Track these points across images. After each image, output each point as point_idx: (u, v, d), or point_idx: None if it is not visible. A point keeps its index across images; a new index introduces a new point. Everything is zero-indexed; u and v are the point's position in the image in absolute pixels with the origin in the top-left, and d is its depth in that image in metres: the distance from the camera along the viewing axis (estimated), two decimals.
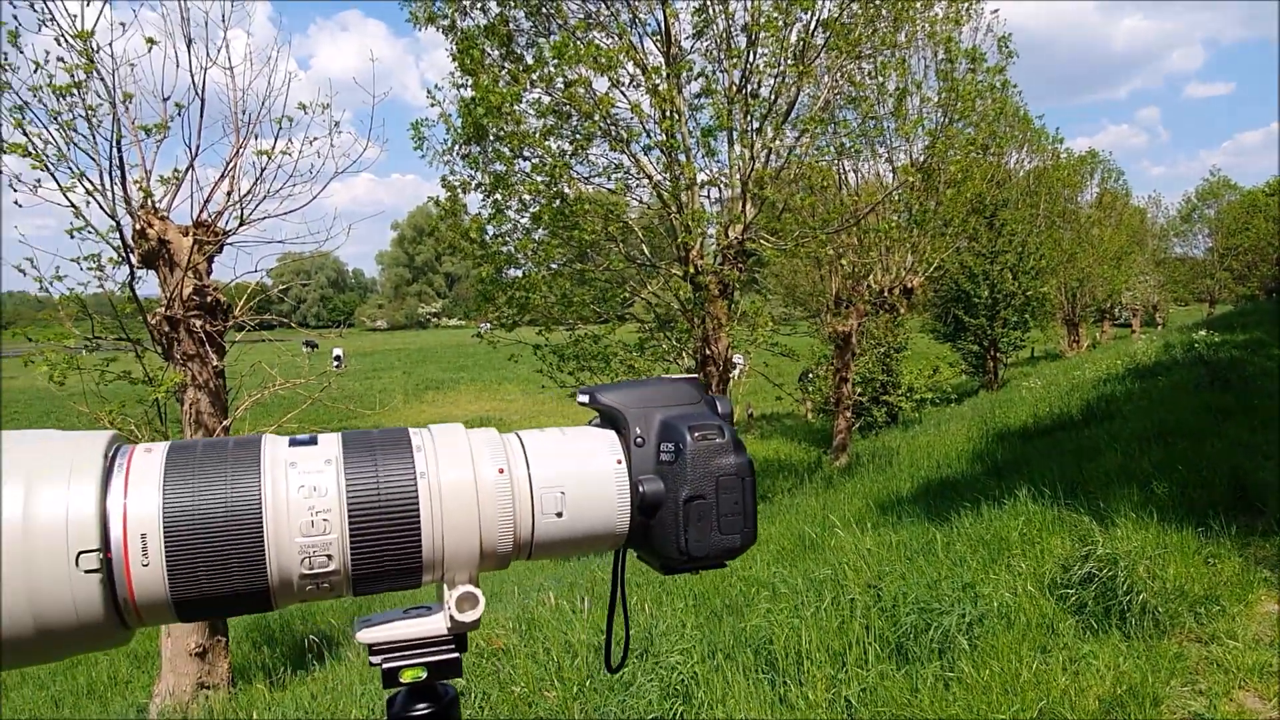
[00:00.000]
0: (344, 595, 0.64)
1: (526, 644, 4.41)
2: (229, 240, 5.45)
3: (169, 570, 0.57)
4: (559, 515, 0.68)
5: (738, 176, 8.88)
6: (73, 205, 4.90)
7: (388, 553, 0.63)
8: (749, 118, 8.82)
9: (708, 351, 9.56)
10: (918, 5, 10.35)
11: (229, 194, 5.47)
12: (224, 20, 5.07)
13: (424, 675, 0.67)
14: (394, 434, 0.68)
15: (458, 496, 0.65)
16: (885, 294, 13.71)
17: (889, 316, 14.68)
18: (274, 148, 5.21)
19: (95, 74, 4.50)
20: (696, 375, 0.77)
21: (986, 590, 3.56)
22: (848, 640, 3.13)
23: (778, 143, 8.93)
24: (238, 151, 5.28)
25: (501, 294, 10.00)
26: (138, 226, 5.17)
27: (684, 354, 10.56)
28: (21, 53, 4.55)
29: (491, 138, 8.74)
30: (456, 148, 9.07)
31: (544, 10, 8.91)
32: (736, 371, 13.62)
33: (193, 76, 4.96)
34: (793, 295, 22.19)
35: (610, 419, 0.75)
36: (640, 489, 0.70)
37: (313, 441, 0.64)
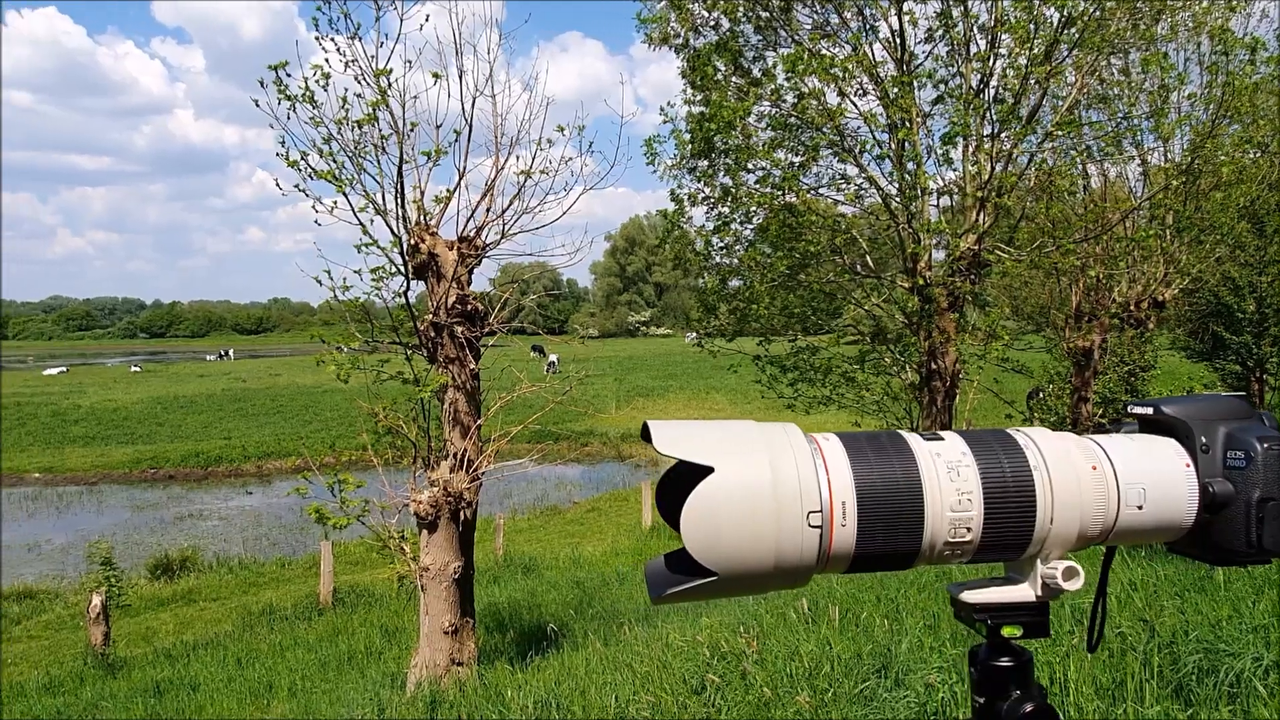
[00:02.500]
0: (961, 561, 0.78)
1: (763, 649, 4.47)
2: (488, 254, 5.93)
3: (859, 530, 0.72)
4: (1139, 508, 0.80)
5: (973, 184, 8.53)
6: (361, 223, 5.53)
7: (1010, 530, 0.76)
8: (986, 122, 8.44)
9: (934, 366, 9.23)
10: None
11: (488, 210, 5.96)
12: (489, 54, 5.55)
13: (1019, 633, 0.82)
14: (1001, 434, 0.81)
15: (1065, 487, 0.77)
16: (1132, 307, 12.62)
17: (1135, 332, 13.49)
18: (531, 167, 5.63)
19: (386, 107, 5.07)
20: (1243, 393, 0.85)
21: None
22: (1118, 675, 2.94)
23: (1019, 148, 8.48)
24: (498, 171, 5.75)
25: (724, 305, 10.14)
26: (412, 241, 5.75)
27: (907, 368, 10.24)
28: (326, 90, 5.22)
29: (718, 151, 8.92)
30: (685, 162, 9.33)
31: (773, 24, 8.98)
32: None
33: (463, 105, 5.47)
34: (1019, 308, 20.83)
35: (1168, 428, 0.84)
36: (1210, 489, 0.79)
37: (938, 438, 0.79)
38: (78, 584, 16.58)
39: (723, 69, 8.77)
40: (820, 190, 9.37)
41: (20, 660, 11.60)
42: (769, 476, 0.70)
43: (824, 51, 8.23)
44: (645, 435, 0.74)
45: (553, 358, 44.54)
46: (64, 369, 74.04)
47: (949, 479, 0.75)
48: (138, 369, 72.74)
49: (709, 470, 0.69)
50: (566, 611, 10.03)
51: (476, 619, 6.93)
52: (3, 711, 8.63)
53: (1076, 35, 8.04)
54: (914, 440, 0.78)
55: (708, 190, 9.43)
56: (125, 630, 11.97)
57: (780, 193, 8.55)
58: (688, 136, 8.91)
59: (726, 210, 9.30)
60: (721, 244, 9.75)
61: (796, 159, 8.89)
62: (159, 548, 19.21)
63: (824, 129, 8.23)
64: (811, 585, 6.72)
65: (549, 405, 6.81)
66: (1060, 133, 8.67)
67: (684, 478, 0.72)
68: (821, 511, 0.71)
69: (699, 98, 8.52)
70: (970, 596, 0.82)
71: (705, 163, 9.20)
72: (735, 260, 9.92)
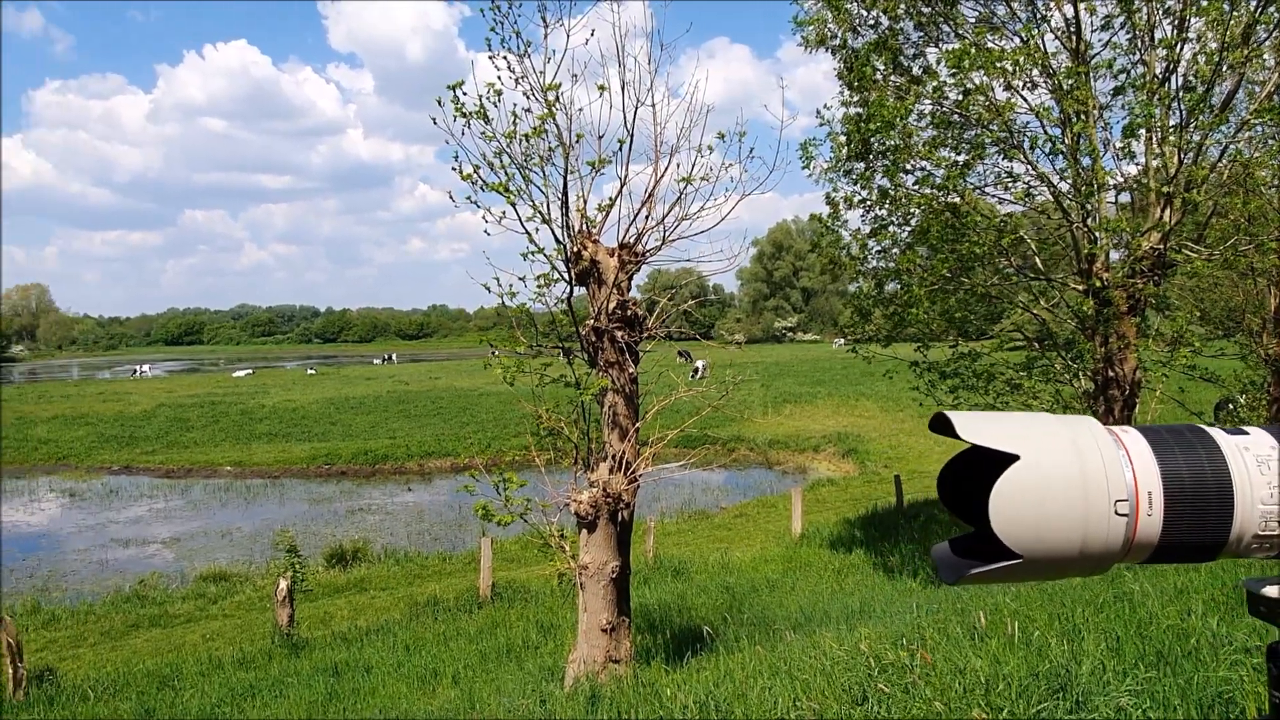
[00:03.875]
0: (1269, 556, 0.79)
1: (924, 662, 4.35)
2: (647, 260, 6.05)
3: (1165, 520, 0.75)
4: None
5: (1157, 178, 7.95)
6: (527, 232, 5.76)
7: None
8: (1172, 113, 7.86)
9: (1110, 373, 8.67)
10: None
11: (647, 217, 6.08)
12: (650, 63, 5.66)
13: None
14: None
15: None
16: None
17: None
18: (691, 173, 5.70)
19: (553, 120, 5.28)
20: None
21: None
22: None
23: (1209, 139, 7.84)
24: (658, 180, 5.85)
25: (879, 309, 9.89)
26: (575, 249, 5.94)
27: (1080, 375, 9.66)
28: (497, 106, 5.48)
29: (875, 153, 8.72)
30: (840, 164, 9.18)
31: (936, 20, 8.71)
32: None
33: (624, 115, 5.61)
34: (1207, 312, 19.20)
35: None
36: None
37: (1243, 432, 0.80)
38: (264, 569, 18.02)
39: (881, 68, 8.57)
40: (985, 189, 8.98)
41: (217, 637, 12.71)
42: (1076, 464, 0.73)
43: (990, 45, 7.91)
44: (936, 426, 0.76)
45: (699, 363, 44.68)
46: (250, 371, 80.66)
47: (1259, 472, 0.76)
48: (313, 372, 78.31)
49: (1013, 458, 0.71)
50: (717, 615, 10.04)
51: (631, 618, 7.05)
52: (210, 680, 9.48)
53: (1278, 15, 7.38)
54: (1217, 434, 0.78)
55: (864, 193, 9.22)
56: (306, 613, 12.89)
57: (942, 193, 8.26)
58: (844, 139, 8.75)
59: (884, 213, 9.07)
60: (878, 247, 9.51)
61: (960, 158, 8.56)
62: (333, 538, 20.59)
63: (990, 125, 7.90)
64: (975, 600, 6.44)
65: (706, 409, 6.86)
66: (1258, 121, 7.96)
67: (976, 466, 0.75)
68: (1129, 500, 0.73)
69: (856, 99, 8.36)
70: (1275, 591, 0.82)
71: (862, 165, 9.01)
72: (892, 263, 9.65)
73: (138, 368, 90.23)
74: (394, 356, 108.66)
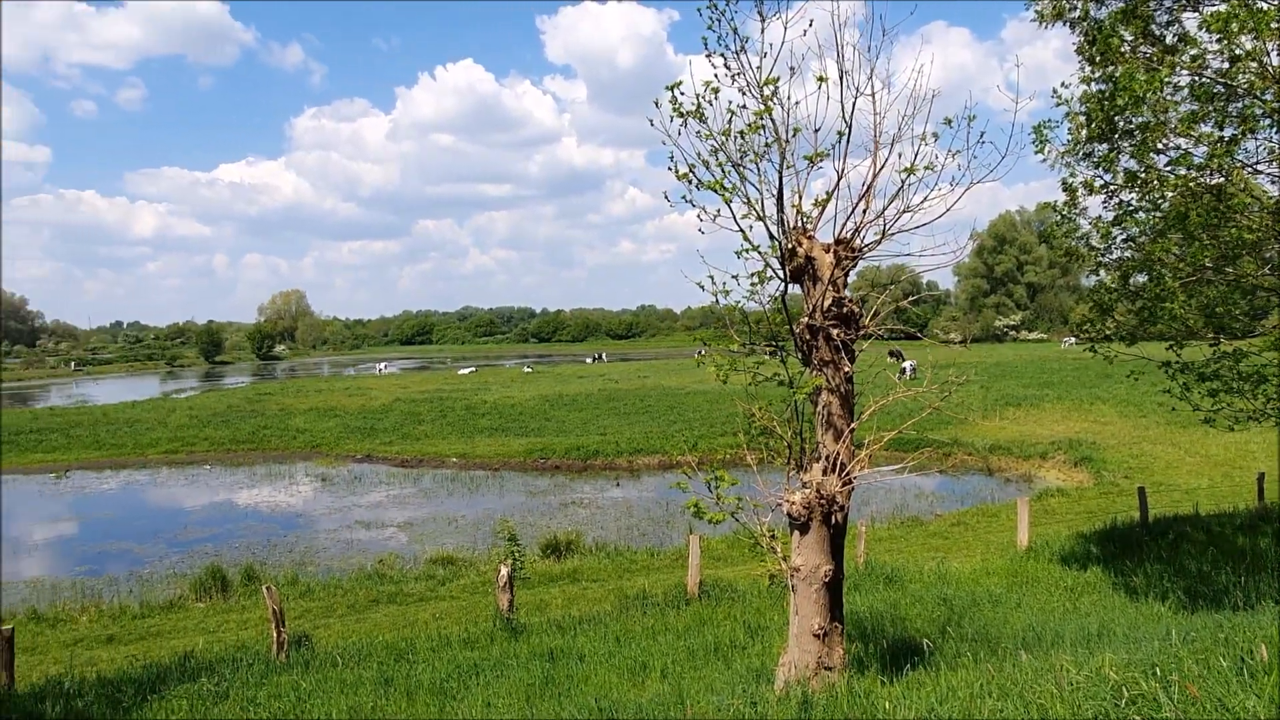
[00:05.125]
0: None
1: (1185, 698, 3.89)
2: (864, 255, 5.83)
3: None
4: None
5: None
6: (741, 230, 5.71)
7: None
8: None
9: None
10: None
11: (864, 211, 5.86)
12: (870, 52, 5.45)
13: None
14: None
15: None
16: None
17: None
18: (914, 163, 5.44)
19: (769, 115, 5.20)
20: None
21: None
22: None
23: None
24: (876, 172, 5.63)
25: (1122, 304, 9.00)
26: (789, 246, 5.83)
27: None
28: (711, 104, 5.48)
29: (1121, 132, 7.93)
30: (1079, 147, 8.43)
31: None
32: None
33: (842, 106, 5.43)
34: None
35: None
36: None
37: None
38: (485, 555, 19.18)
39: (1129, 38, 7.77)
40: (1256, 167, 7.92)
41: (444, 616, 13.66)
42: None
43: (1263, 5, 6.96)
44: None
45: (907, 364, 42.85)
46: (473, 369, 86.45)
47: None
48: (529, 370, 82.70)
49: None
50: (934, 628, 9.56)
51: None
52: (440, 656, 10.20)
53: None
54: None
55: (1107, 176, 8.41)
56: (524, 599, 13.57)
57: (1203, 173, 7.38)
58: (1084, 118, 8.02)
59: (1131, 197, 8.23)
60: (1123, 235, 8.64)
61: (1225, 133, 7.60)
62: (547, 530, 21.58)
63: (1263, 95, 6.95)
64: (1242, 629, 5.68)
65: (926, 410, 6.53)
66: None
67: None
68: None
69: (1099, 74, 7.63)
70: None
71: (1105, 146, 8.22)
72: (1139, 253, 8.74)
73: (378, 365, 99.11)
74: (604, 355, 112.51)
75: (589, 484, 29.51)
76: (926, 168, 5.52)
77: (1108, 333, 9.42)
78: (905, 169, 5.53)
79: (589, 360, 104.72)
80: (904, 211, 5.66)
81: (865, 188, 5.69)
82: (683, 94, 5.34)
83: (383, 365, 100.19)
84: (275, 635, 10.70)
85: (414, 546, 21.25)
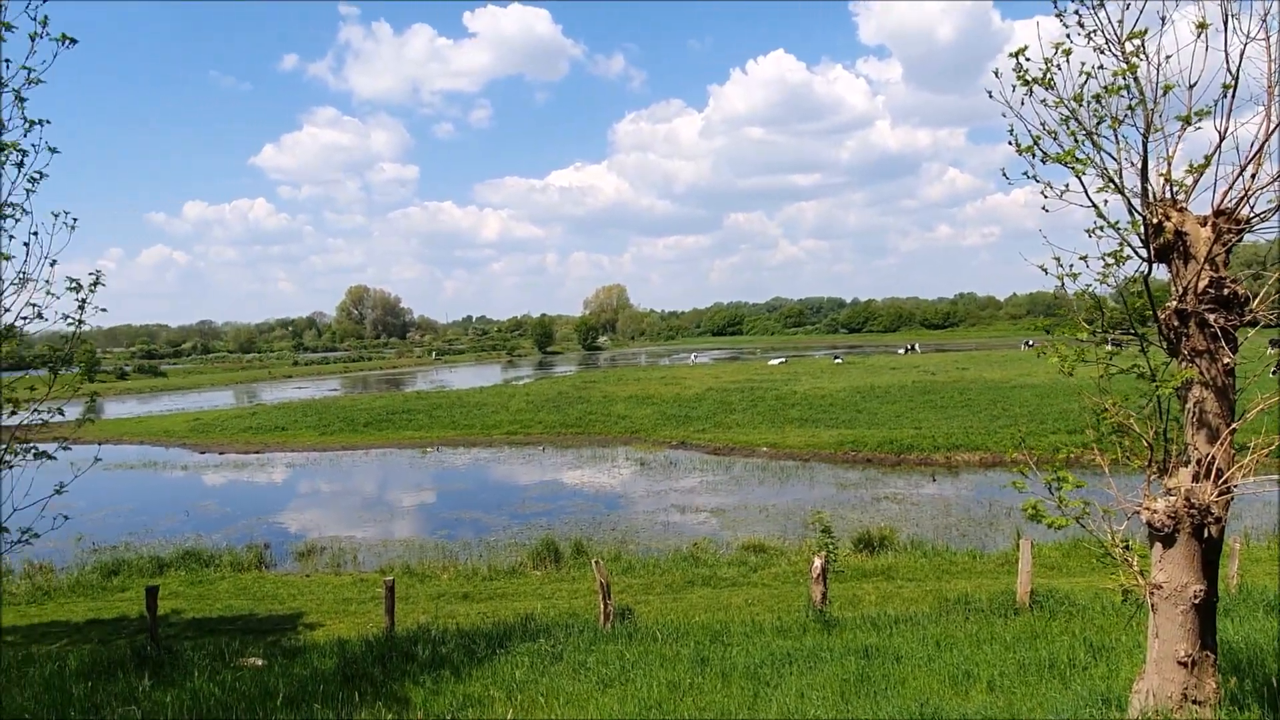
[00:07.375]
0: None
1: None
2: (1253, 228, 4.99)
3: None
4: None
5: None
6: (1095, 205, 5.14)
7: None
8: None
9: None
10: None
11: (1253, 176, 5.01)
12: None
13: None
14: None
15: None
16: None
17: None
18: None
19: (1133, 74, 4.62)
20: None
21: None
22: None
23: None
24: (1271, 129, 4.78)
25: None
26: (1155, 220, 5.15)
27: None
28: (1060, 70, 4.97)
29: None
30: None
31: None
32: None
33: (1226, 55, 4.67)
34: None
35: None
36: None
37: None
38: (796, 545, 19.20)
39: None
40: None
41: (756, 603, 13.87)
42: None
43: None
44: None
45: None
46: (783, 360, 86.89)
47: None
48: (839, 360, 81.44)
49: None
50: None
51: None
52: (753, 641, 10.40)
53: None
54: None
55: None
56: (836, 593, 13.38)
57: None
58: None
59: None
60: None
61: None
62: (859, 523, 21.12)
63: None
64: None
65: None
66: None
67: None
68: None
69: None
70: None
71: None
72: None
73: (690, 355, 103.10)
74: (917, 346, 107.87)
75: (902, 479, 28.44)
76: None
77: None
78: None
79: (902, 351, 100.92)
80: None
81: (1256, 148, 4.85)
82: (1028, 59, 4.91)
83: (695, 355, 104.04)
84: (603, 606, 11.52)
85: (725, 532, 21.82)
